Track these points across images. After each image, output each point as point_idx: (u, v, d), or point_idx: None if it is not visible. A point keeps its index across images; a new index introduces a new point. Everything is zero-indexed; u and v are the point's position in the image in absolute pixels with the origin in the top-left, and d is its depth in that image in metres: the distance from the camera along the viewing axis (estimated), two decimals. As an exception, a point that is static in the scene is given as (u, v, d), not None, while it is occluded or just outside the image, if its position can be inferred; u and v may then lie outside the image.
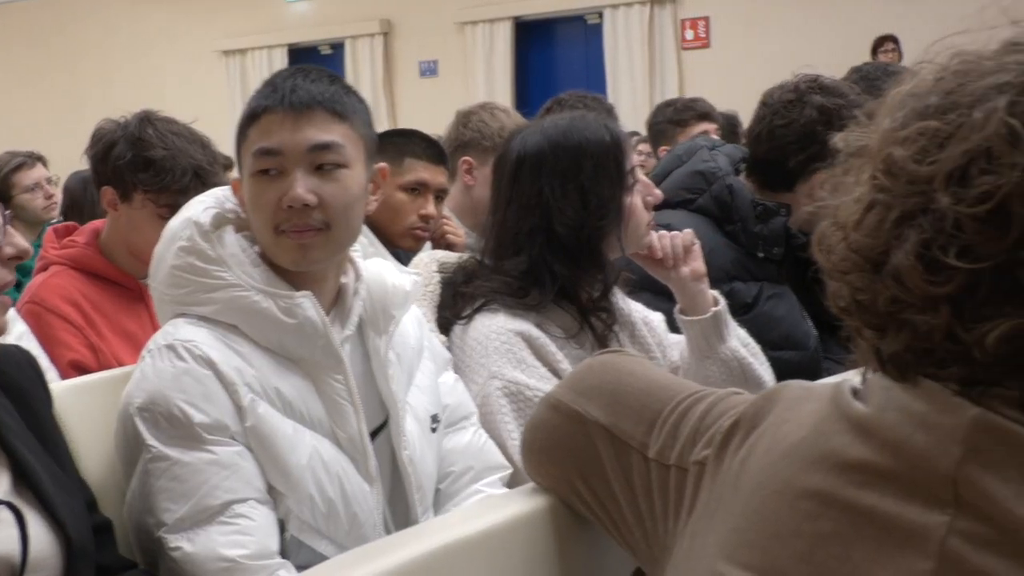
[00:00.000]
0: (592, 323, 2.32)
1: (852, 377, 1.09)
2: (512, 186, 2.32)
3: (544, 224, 2.28)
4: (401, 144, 3.25)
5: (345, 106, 1.90)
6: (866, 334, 1.04)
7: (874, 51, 10.29)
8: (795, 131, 2.83)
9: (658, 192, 2.41)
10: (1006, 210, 0.93)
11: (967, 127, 0.96)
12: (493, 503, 1.50)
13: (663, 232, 2.46)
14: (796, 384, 1.17)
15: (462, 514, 1.45)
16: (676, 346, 2.54)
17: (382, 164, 2.04)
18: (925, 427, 0.98)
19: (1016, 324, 0.93)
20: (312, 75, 1.92)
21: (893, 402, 1.01)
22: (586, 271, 2.31)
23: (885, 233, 0.99)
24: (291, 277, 1.90)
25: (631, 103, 11.74)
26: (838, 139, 1.07)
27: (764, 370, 2.51)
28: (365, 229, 2.11)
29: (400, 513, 1.99)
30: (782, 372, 2.53)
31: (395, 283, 2.04)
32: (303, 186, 1.84)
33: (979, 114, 0.96)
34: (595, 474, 1.27)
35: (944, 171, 0.96)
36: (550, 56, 13.17)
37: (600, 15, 12.55)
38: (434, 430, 2.07)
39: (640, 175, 2.40)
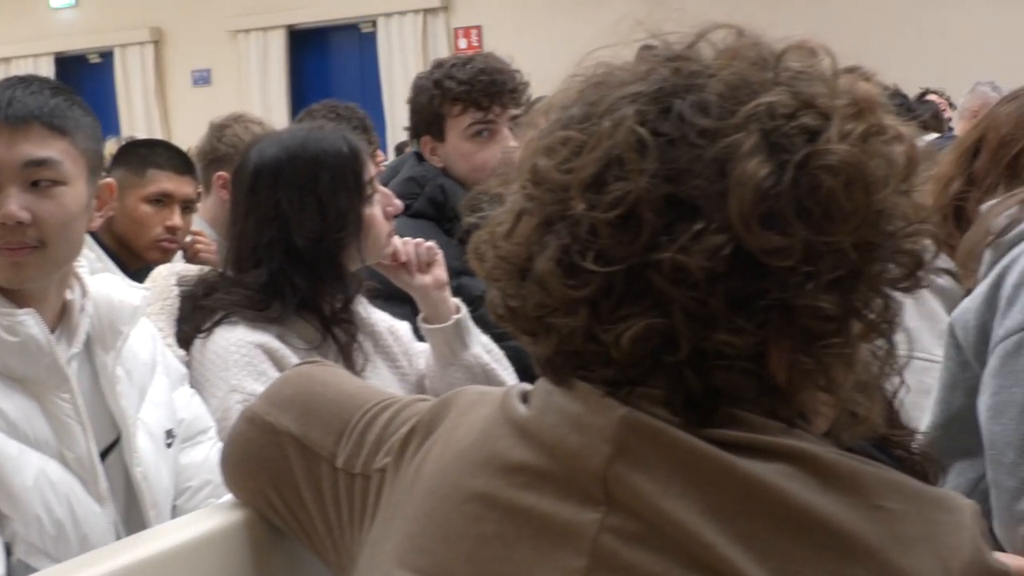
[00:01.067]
0: (335, 334, 2.33)
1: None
2: (250, 198, 2.31)
3: (283, 236, 2.27)
4: (144, 154, 3.20)
5: (66, 120, 1.86)
6: (523, 339, 1.07)
7: (642, 59, 10.57)
8: None
9: (398, 202, 2.44)
10: (636, 215, 0.96)
11: (598, 135, 1.00)
12: (188, 519, 1.50)
13: (407, 239, 2.49)
14: (472, 389, 1.20)
15: (154, 531, 1.44)
16: (423, 354, 2.57)
17: (109, 180, 2.01)
18: (579, 428, 1.01)
19: (648, 324, 0.96)
20: (33, 87, 1.87)
21: (552, 405, 1.04)
22: (327, 282, 2.31)
23: (530, 240, 1.02)
24: (11, 295, 1.86)
25: (406, 111, 11.76)
26: (496, 151, 1.11)
27: (508, 375, 2.55)
28: (92, 243, 2.07)
29: (137, 531, 1.96)
30: (523, 361, 2.57)
31: (122, 299, 2.01)
32: (16, 203, 1.80)
33: (608, 123, 1.00)
34: (287, 485, 1.27)
35: (579, 179, 0.99)
36: (325, 64, 13.12)
37: (374, 23, 12.58)
38: (169, 445, 2.05)
39: (379, 185, 2.42)
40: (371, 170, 2.38)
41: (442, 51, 12.25)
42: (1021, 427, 1.77)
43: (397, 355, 2.51)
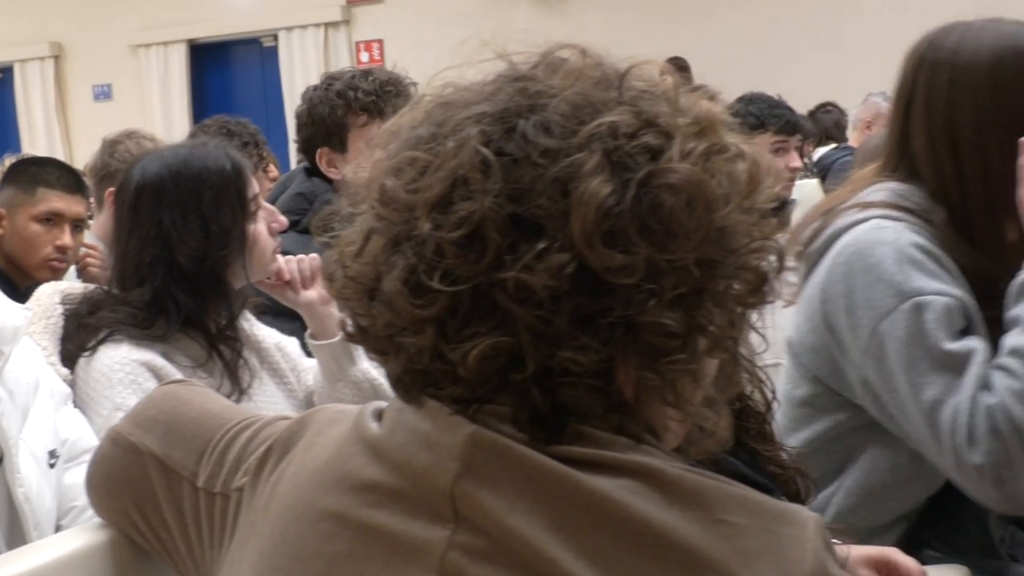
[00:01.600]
0: (220, 351, 2.33)
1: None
2: (132, 216, 2.31)
3: (166, 254, 2.27)
4: (35, 173, 3.18)
5: None
6: (374, 358, 1.08)
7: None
8: None
9: (283, 219, 2.44)
10: (481, 235, 0.98)
11: (443, 156, 1.01)
12: (50, 540, 1.49)
13: (288, 256, 2.50)
14: (330, 408, 1.20)
15: (16, 553, 1.43)
16: (311, 370, 2.57)
17: None
18: (427, 446, 1.02)
19: (495, 342, 0.98)
20: None
21: (402, 423, 1.05)
22: (211, 300, 2.32)
23: (378, 260, 1.03)
24: None
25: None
26: (348, 170, 1.12)
27: (399, 389, 2.57)
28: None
29: (20, 552, 1.95)
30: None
31: (3, 319, 2.00)
32: None
33: (453, 143, 1.01)
34: (150, 506, 1.27)
35: (425, 199, 1.00)
36: (227, 79, 13.01)
37: (275, 38, 12.49)
38: (52, 466, 2.04)
39: (263, 202, 2.43)
40: (255, 187, 2.39)
41: (344, 65, 12.17)
42: (923, 424, 1.80)
43: (285, 371, 2.52)
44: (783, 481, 1.60)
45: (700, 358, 1.04)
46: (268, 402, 2.42)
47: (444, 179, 1.00)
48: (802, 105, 7.69)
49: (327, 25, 12.33)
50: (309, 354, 2.58)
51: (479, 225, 0.98)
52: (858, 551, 1.64)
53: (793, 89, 9.80)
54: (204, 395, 1.36)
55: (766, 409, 1.66)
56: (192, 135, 3.79)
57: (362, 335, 1.07)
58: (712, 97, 1.14)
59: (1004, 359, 1.74)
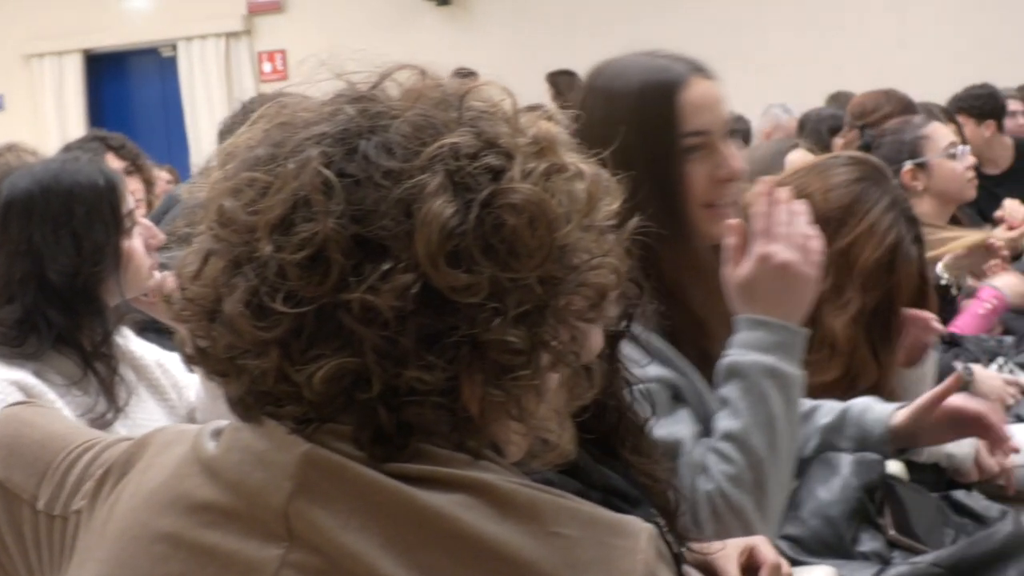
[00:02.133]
0: (96, 369, 2.29)
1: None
2: (1, 232, 2.26)
3: (36, 271, 2.23)
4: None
5: None
6: (215, 380, 1.07)
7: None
8: None
9: (160, 234, 2.41)
10: (325, 256, 0.98)
11: (284, 177, 1.01)
12: None
13: (167, 273, 2.46)
14: (171, 428, 1.19)
15: None
16: (193, 386, 2.54)
17: None
18: (263, 465, 1.02)
19: (340, 363, 0.98)
20: None
21: (238, 442, 1.05)
22: (85, 317, 2.28)
23: (217, 282, 1.02)
24: None
25: (211, 136, 11.62)
26: (183, 190, 1.11)
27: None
28: None
29: None
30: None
31: None
32: None
33: (293, 164, 1.01)
34: None
35: (266, 220, 1.00)
36: (125, 89, 12.87)
37: (175, 48, 12.38)
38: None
39: (139, 218, 2.39)
40: (130, 202, 2.35)
41: (246, 76, 12.14)
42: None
43: (165, 388, 2.48)
44: (654, 493, 1.60)
45: (543, 373, 1.05)
46: (147, 419, 2.39)
47: (285, 200, 1.00)
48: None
49: (228, 35, 12.24)
50: (192, 369, 2.54)
51: (322, 246, 0.98)
52: (732, 543, 1.66)
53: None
54: (48, 416, 1.34)
55: (643, 422, 1.67)
56: (65, 149, 3.73)
57: (202, 357, 1.06)
58: (550, 117, 1.16)
59: (718, 443, 1.75)
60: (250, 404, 1.04)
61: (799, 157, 4.01)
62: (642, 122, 1.85)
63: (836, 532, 1.86)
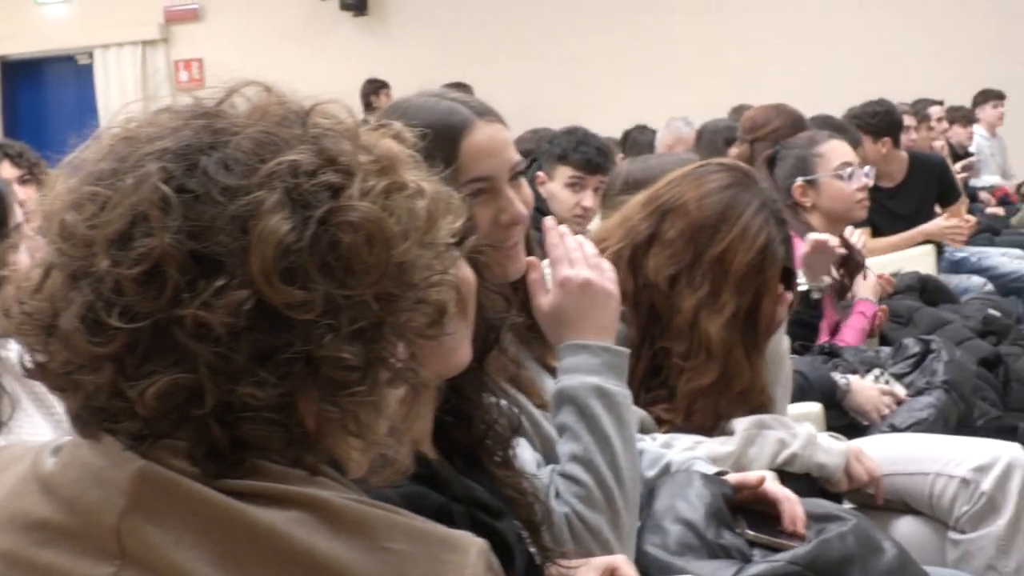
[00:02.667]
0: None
1: None
2: None
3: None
4: None
5: None
6: (55, 394, 1.07)
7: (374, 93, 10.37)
8: None
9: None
10: (161, 271, 0.98)
11: (123, 191, 1.01)
12: None
13: None
14: (18, 445, 1.18)
15: None
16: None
17: None
18: (98, 482, 1.02)
19: (174, 379, 0.98)
20: None
21: (76, 459, 1.04)
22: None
23: (55, 296, 1.02)
24: None
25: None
26: (31, 201, 1.10)
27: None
28: None
29: None
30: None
31: None
32: None
33: (131, 180, 1.01)
34: None
35: (104, 235, 1.00)
36: (40, 97, 12.71)
37: (91, 55, 12.27)
38: None
39: (29, 231, 2.39)
40: (18, 215, 2.35)
41: (162, 84, 12.05)
42: None
43: (52, 400, 2.48)
44: (520, 506, 1.64)
45: (381, 389, 1.06)
46: (34, 433, 2.38)
47: (123, 215, 1.00)
48: (615, 130, 7.87)
49: (144, 43, 12.17)
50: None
51: (158, 262, 0.98)
52: (594, 562, 1.71)
53: (605, 114, 10.02)
54: None
55: (511, 435, 1.72)
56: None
57: (41, 371, 1.05)
58: (398, 135, 1.18)
59: (565, 467, 1.80)
60: (87, 420, 1.04)
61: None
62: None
63: (697, 533, 1.91)
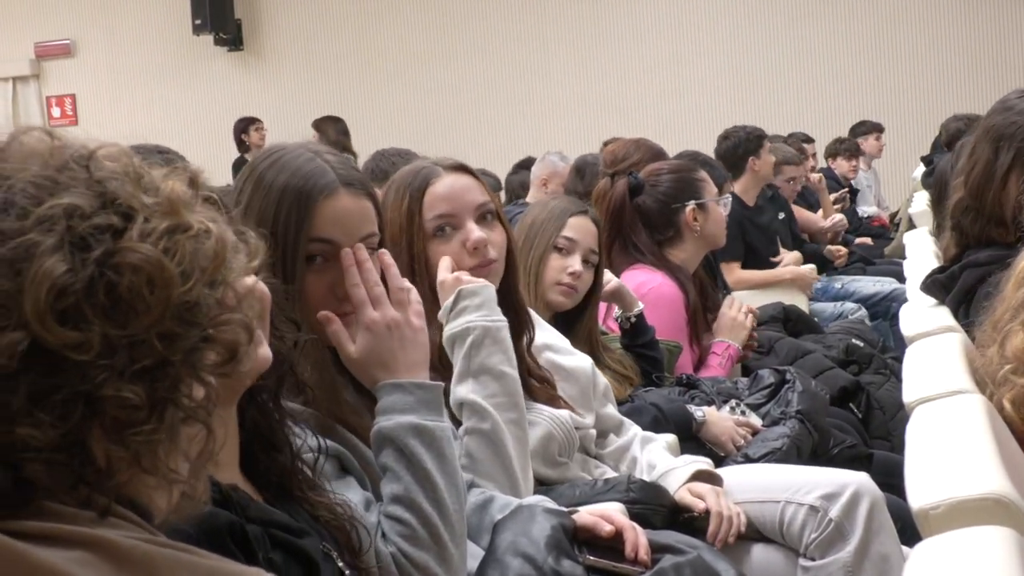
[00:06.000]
0: None
1: None
2: None
3: None
4: None
5: None
6: None
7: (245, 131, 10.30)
8: None
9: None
10: None
11: None
12: None
13: None
14: None
15: None
16: None
17: None
18: None
19: None
20: None
21: None
22: None
23: None
24: None
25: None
26: None
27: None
28: None
29: None
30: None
31: None
32: None
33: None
34: None
35: None
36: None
37: (-40, 92, 12.07)
38: None
39: None
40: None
41: (35, 119, 11.87)
42: None
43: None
44: (335, 527, 1.66)
45: (173, 428, 1.07)
46: None
47: None
48: (500, 161, 7.90)
49: (15, 79, 11.99)
50: None
51: None
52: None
53: (487, 144, 10.09)
54: None
55: (317, 457, 1.73)
56: None
57: None
58: (194, 177, 1.18)
59: (388, 507, 1.81)
60: None
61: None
62: (275, 223, 1.87)
63: (535, 565, 1.91)
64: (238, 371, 1.13)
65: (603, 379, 2.81)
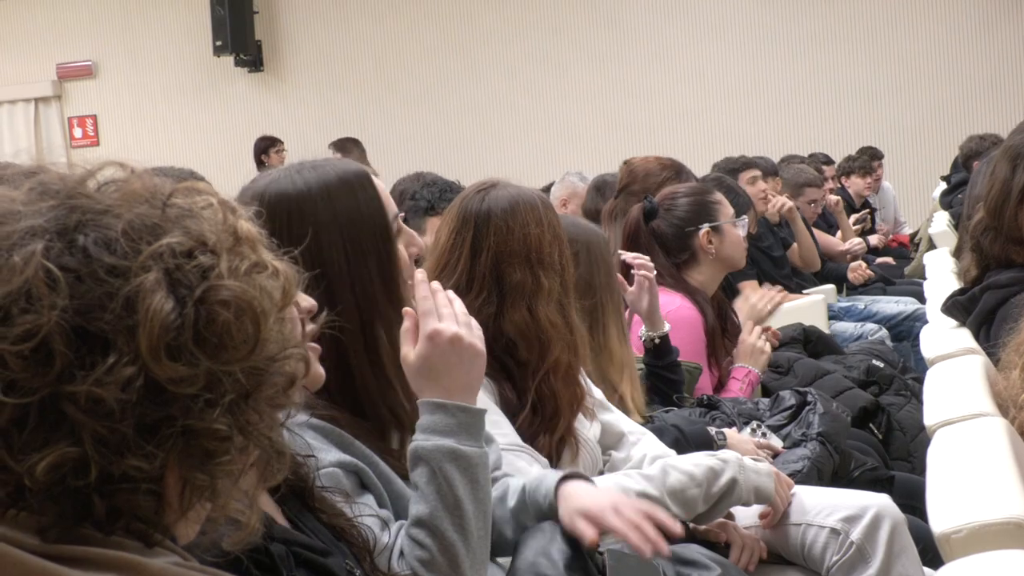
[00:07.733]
0: None
1: None
2: None
3: None
4: None
5: None
6: None
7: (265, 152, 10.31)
8: None
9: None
10: (48, 347, 1.01)
11: (7, 270, 1.02)
12: None
13: None
14: None
15: None
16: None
17: None
18: None
19: (62, 452, 1.01)
20: None
21: None
22: None
23: None
24: None
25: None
26: None
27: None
28: None
29: None
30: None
31: None
32: None
33: (18, 257, 1.02)
34: None
35: None
36: (-72, 154, 12.53)
37: (-18, 112, 12.14)
38: None
39: None
40: None
41: (56, 141, 11.97)
42: None
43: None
44: (351, 535, 1.71)
45: (242, 457, 1.12)
46: None
47: (8, 293, 1.02)
48: (520, 182, 7.89)
49: (38, 100, 12.05)
50: None
51: (46, 338, 1.00)
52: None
53: (507, 166, 10.10)
54: None
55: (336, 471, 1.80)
56: None
57: None
58: (241, 215, 1.21)
59: (411, 529, 1.82)
60: None
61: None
62: (355, 225, 1.99)
63: None
64: (291, 401, 1.17)
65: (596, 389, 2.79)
